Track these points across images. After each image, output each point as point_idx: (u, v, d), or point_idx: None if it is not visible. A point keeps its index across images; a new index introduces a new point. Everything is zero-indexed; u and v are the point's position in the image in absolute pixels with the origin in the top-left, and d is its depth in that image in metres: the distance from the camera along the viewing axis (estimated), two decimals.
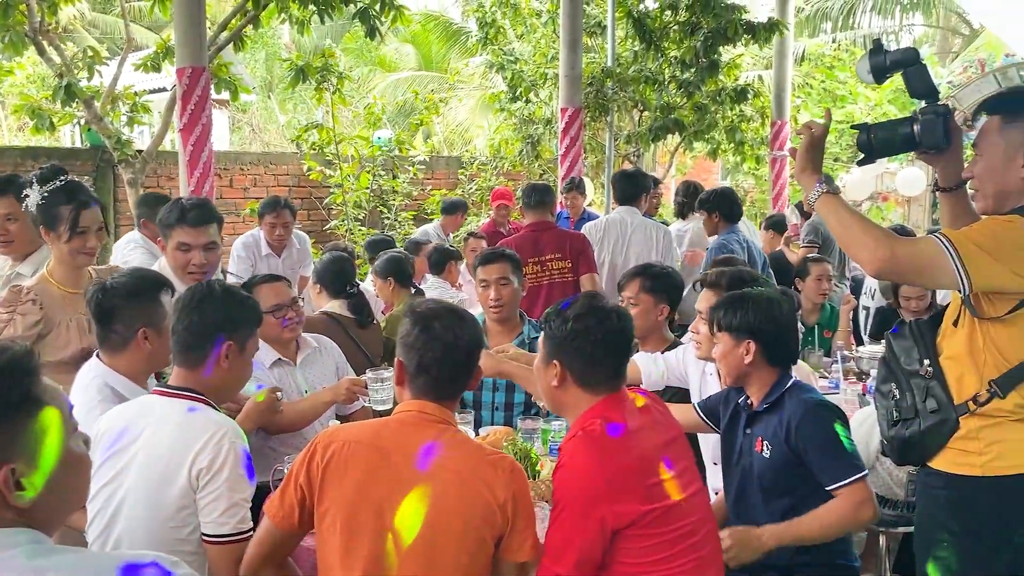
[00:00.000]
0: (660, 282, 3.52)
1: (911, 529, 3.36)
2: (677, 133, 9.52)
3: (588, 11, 9.49)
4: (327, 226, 9.59)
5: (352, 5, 6.92)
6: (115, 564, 1.33)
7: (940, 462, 2.31)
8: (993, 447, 2.22)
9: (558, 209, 7.14)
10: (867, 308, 5.84)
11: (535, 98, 10.18)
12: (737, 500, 2.68)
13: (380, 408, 2.98)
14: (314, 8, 6.80)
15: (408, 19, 7.37)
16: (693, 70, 9.07)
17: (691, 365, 3.25)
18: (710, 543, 2.22)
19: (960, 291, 2.19)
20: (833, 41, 16.61)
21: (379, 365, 3.42)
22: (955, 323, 2.31)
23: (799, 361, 3.80)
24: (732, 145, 10.04)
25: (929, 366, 2.33)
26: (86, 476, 1.47)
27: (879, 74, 2.44)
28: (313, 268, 4.33)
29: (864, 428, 3.47)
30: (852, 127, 2.49)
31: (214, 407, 2.28)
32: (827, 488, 2.43)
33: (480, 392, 3.57)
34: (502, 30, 10.23)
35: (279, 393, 2.87)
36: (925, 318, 2.47)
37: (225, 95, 7.64)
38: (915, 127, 2.36)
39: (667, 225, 6.51)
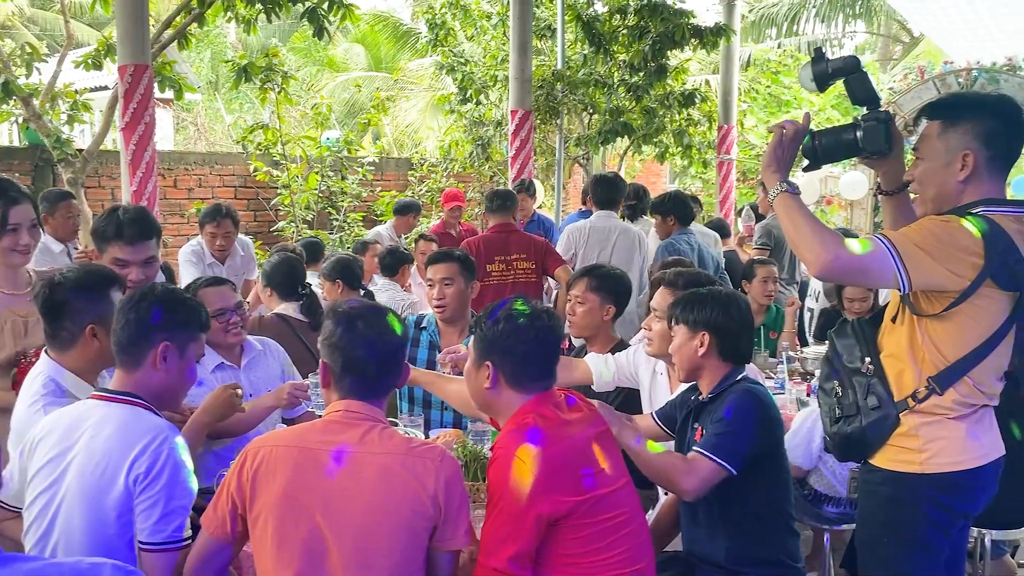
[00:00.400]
0: (607, 282, 3.55)
1: (855, 526, 3.44)
2: (626, 136, 9.59)
3: (538, 14, 9.52)
4: (274, 228, 9.47)
5: (300, 4, 6.83)
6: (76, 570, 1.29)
7: (881, 459, 2.35)
8: (932, 444, 2.27)
9: None
10: (811, 310, 5.94)
11: (485, 100, 10.18)
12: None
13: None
14: (261, 7, 6.71)
15: (357, 19, 7.30)
16: (642, 74, 9.15)
17: (642, 366, 3.28)
18: (641, 533, 2.25)
19: (900, 290, 2.23)
20: (778, 47, 16.89)
21: None
22: (894, 320, 2.36)
23: (751, 362, 3.87)
24: (680, 149, 10.15)
25: (871, 364, 2.37)
26: None
27: (821, 82, 2.48)
28: (263, 270, 4.26)
29: (806, 427, 3.53)
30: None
31: (155, 412, 2.23)
32: (695, 447, 2.49)
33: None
34: (452, 32, 10.22)
35: (239, 391, 2.82)
36: (867, 318, 2.52)
37: (169, 94, 7.49)
38: (858, 133, 2.40)
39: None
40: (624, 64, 9.29)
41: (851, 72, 2.44)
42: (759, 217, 7.36)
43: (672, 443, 2.89)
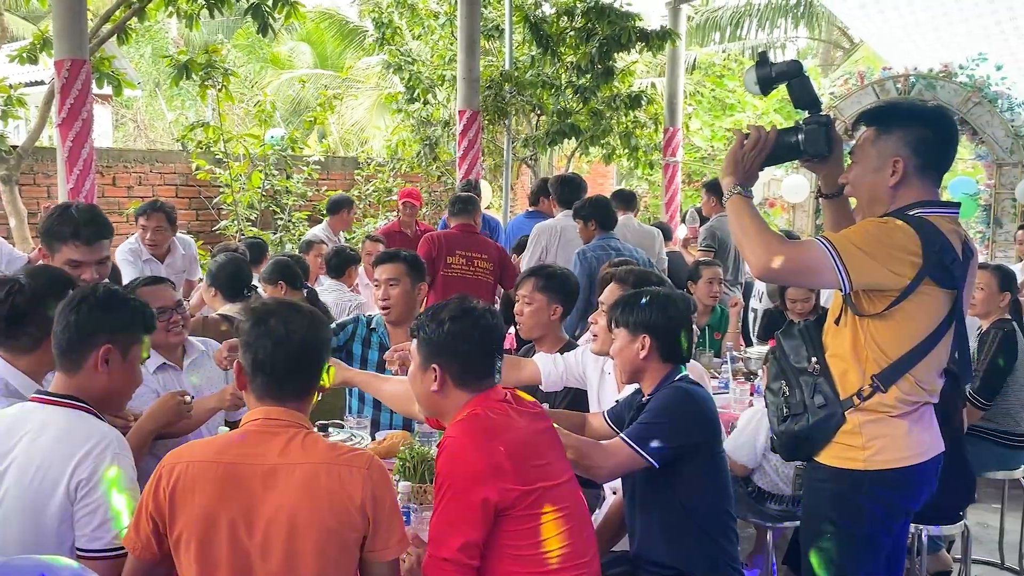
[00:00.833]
0: (554, 282, 3.56)
1: (797, 523, 3.50)
2: (574, 138, 9.63)
3: (486, 14, 9.52)
4: (216, 227, 9.32)
5: (244, 0, 6.73)
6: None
7: (826, 456, 2.39)
8: (875, 442, 2.31)
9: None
10: (755, 310, 6.03)
11: (433, 100, 10.14)
12: (629, 494, 2.73)
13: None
14: (203, 2, 6.59)
15: (302, 16, 7.21)
16: (589, 76, 9.20)
17: (590, 366, 3.29)
18: (585, 529, 2.27)
19: (841, 289, 2.27)
20: (723, 51, 17.11)
21: None
22: (837, 321, 2.40)
23: (696, 362, 3.91)
24: (627, 151, 10.22)
25: (816, 363, 2.41)
26: None
27: (765, 86, 2.52)
28: (207, 270, 4.18)
29: (751, 427, 3.58)
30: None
31: (98, 416, 2.17)
32: (620, 434, 2.55)
33: None
34: (399, 31, 10.15)
35: (187, 397, 2.76)
36: (812, 319, 2.56)
37: (108, 90, 7.33)
38: (800, 136, 2.44)
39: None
40: (571, 66, 9.33)
41: (794, 76, 2.48)
42: (703, 219, 7.45)
43: None
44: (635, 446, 2.50)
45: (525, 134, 10.09)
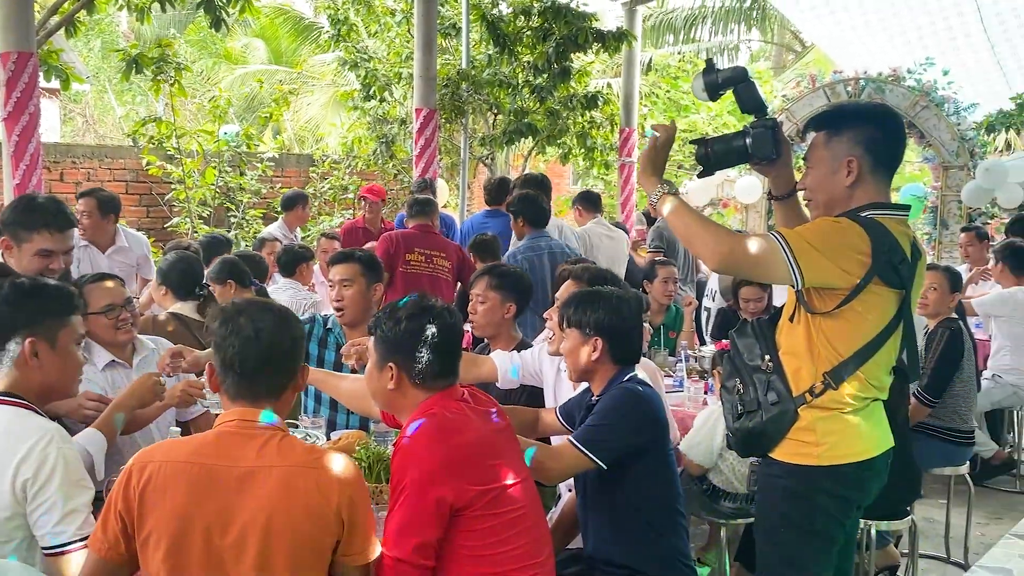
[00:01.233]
0: (507, 281, 3.56)
1: (750, 521, 3.55)
2: (530, 137, 9.64)
3: (443, 12, 9.48)
4: (168, 224, 9.17)
5: None
6: None
7: (780, 453, 2.43)
8: (828, 437, 2.36)
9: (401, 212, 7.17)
10: (708, 309, 6.09)
11: (390, 97, 10.07)
12: (580, 494, 2.74)
13: (220, 411, 2.89)
14: None
15: (256, 11, 7.12)
16: (545, 76, 9.22)
17: (546, 363, 3.30)
18: (541, 528, 2.28)
19: (793, 285, 2.31)
20: (678, 53, 17.27)
21: None
22: (791, 319, 2.44)
23: (650, 361, 3.95)
24: (583, 151, 10.26)
25: (770, 361, 2.45)
26: None
27: (712, 92, 2.55)
28: (158, 268, 4.11)
29: (707, 426, 3.62)
30: (691, 142, 2.63)
31: (38, 412, 2.13)
32: (569, 437, 2.56)
33: None
34: (355, 27, 10.07)
35: (162, 378, 2.76)
36: (765, 318, 2.60)
37: (55, 83, 7.17)
38: (747, 140, 2.48)
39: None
40: (528, 65, 9.34)
41: (740, 82, 2.53)
42: (651, 221, 7.52)
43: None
44: (583, 448, 2.51)
45: (482, 133, 10.08)
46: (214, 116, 9.45)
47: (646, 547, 2.59)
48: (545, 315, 3.32)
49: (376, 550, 2.01)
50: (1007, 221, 7.46)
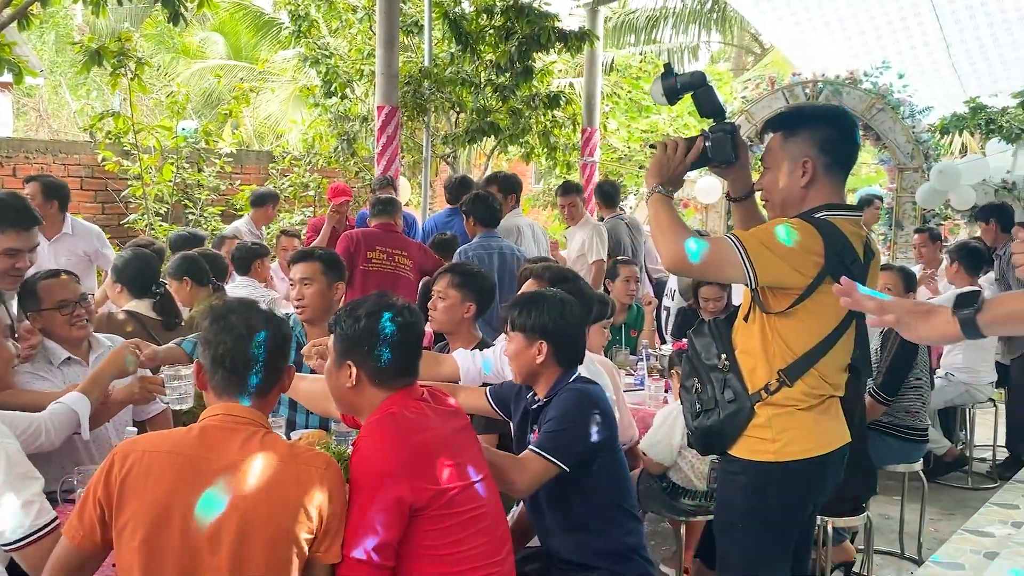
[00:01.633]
0: (469, 280, 3.56)
1: (710, 518, 3.58)
2: (493, 136, 9.63)
3: (405, 10, 9.43)
4: (124, 221, 9.02)
5: None
6: None
7: (738, 450, 2.46)
8: (784, 434, 2.40)
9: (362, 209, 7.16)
10: (667, 308, 6.14)
11: (351, 94, 10.00)
12: (532, 494, 2.74)
13: (178, 407, 2.90)
14: None
15: (215, 6, 7.01)
16: (508, 75, 9.21)
17: (507, 363, 3.29)
18: (500, 527, 2.28)
19: (748, 284, 2.36)
20: (639, 53, 17.37)
21: None
22: (746, 319, 2.49)
23: (604, 358, 3.97)
24: (545, 150, 10.27)
25: (726, 360, 2.49)
26: None
27: (671, 96, 2.59)
28: (113, 265, 4.04)
29: (666, 425, 3.65)
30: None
31: None
32: (531, 446, 2.56)
33: None
34: (316, 24, 9.98)
35: (137, 350, 2.81)
36: (722, 317, 2.64)
37: (8, 77, 7.00)
38: (707, 144, 2.52)
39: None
40: (491, 64, 9.32)
41: (698, 87, 2.56)
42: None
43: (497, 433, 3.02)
44: (549, 456, 2.51)
45: (444, 131, 10.05)
46: (172, 112, 9.30)
47: (597, 543, 2.61)
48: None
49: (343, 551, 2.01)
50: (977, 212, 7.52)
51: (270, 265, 5.90)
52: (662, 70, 2.60)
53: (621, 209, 7.39)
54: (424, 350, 2.41)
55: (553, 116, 10.04)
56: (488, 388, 2.97)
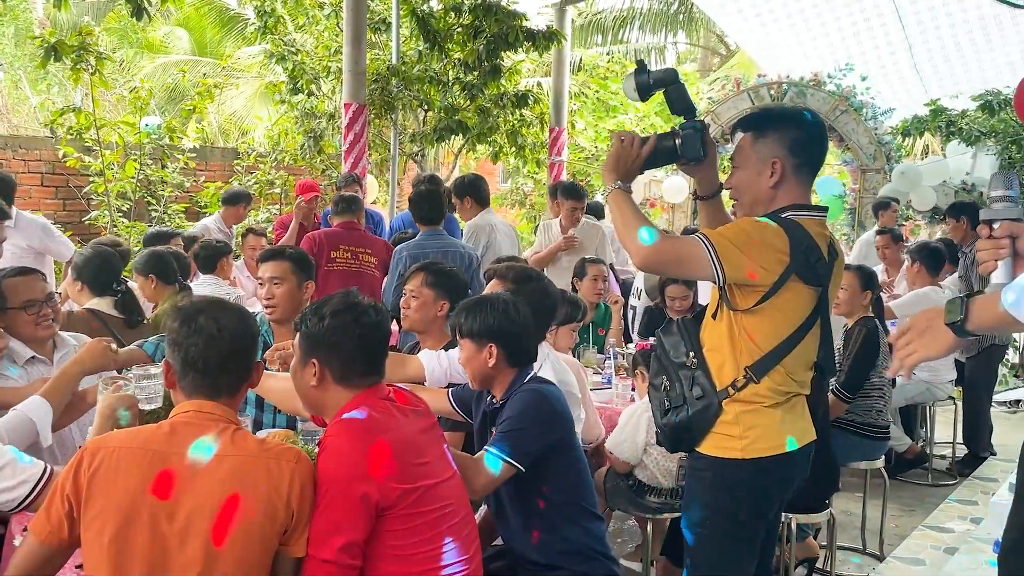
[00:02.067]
0: (443, 279, 3.56)
1: (676, 515, 3.60)
2: (461, 134, 9.62)
3: (372, 7, 9.39)
4: (86, 218, 8.89)
5: None
6: None
7: (706, 447, 2.49)
8: (751, 431, 2.43)
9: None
10: (634, 308, 6.17)
11: (318, 91, 9.93)
12: (494, 493, 2.74)
13: (148, 407, 2.83)
14: None
15: (180, 1, 6.94)
16: (476, 73, 9.20)
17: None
18: (468, 526, 2.28)
19: (716, 282, 2.39)
20: (607, 53, 17.43)
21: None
22: (714, 316, 2.51)
23: (569, 356, 3.98)
24: (513, 149, 10.27)
25: (694, 358, 2.52)
26: None
27: (643, 92, 2.60)
28: (73, 263, 3.98)
29: (631, 424, 3.67)
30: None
31: None
32: (486, 447, 2.58)
33: None
34: (282, 20, 9.90)
35: (114, 344, 2.75)
36: (690, 316, 2.66)
37: None
38: (677, 141, 2.55)
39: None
40: (459, 62, 9.31)
41: (670, 84, 2.58)
42: None
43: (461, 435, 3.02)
44: (503, 457, 2.52)
45: (412, 129, 10.01)
46: (135, 107, 9.17)
47: (562, 543, 2.62)
48: None
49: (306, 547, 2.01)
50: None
51: (234, 263, 5.84)
52: (636, 66, 2.62)
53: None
54: (390, 350, 2.40)
55: (521, 115, 10.05)
56: (451, 390, 2.98)
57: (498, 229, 5.99)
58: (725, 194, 2.69)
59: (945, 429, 6.28)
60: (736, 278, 2.36)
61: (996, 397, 7.27)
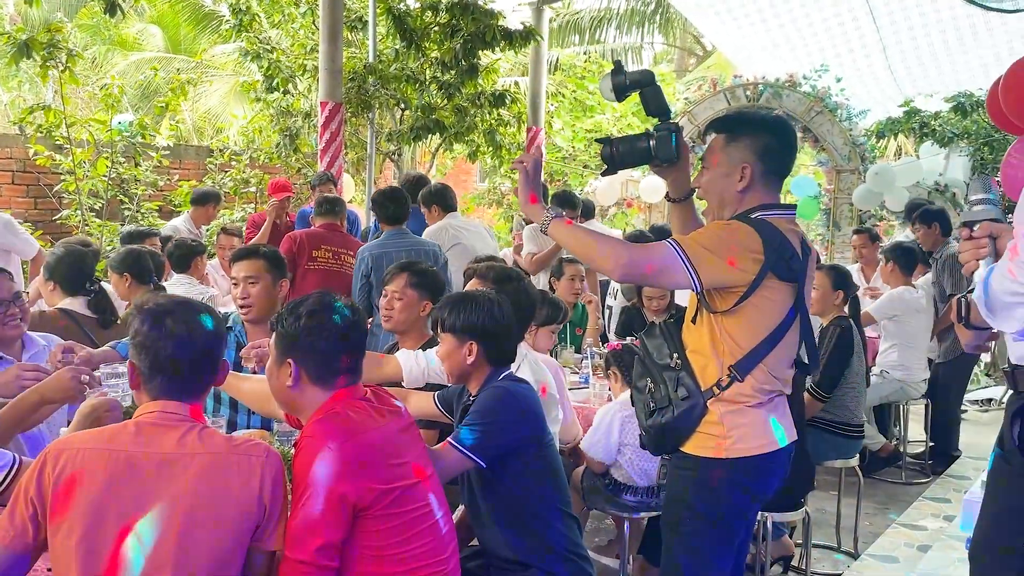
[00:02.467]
0: (425, 279, 3.56)
1: (652, 514, 3.61)
2: (438, 134, 9.59)
3: (348, 5, 9.34)
4: (57, 216, 8.77)
5: None
6: None
7: (690, 446, 2.50)
8: (735, 431, 2.44)
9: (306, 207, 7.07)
10: (610, 307, 6.19)
11: (293, 90, 9.85)
12: (467, 491, 2.75)
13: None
14: None
15: None
16: (453, 72, 9.18)
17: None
18: (445, 526, 2.27)
19: (693, 289, 2.41)
20: (584, 53, 17.47)
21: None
22: (693, 320, 2.53)
23: (548, 356, 3.98)
24: (491, 148, 10.26)
25: (678, 359, 2.53)
26: None
27: (619, 93, 2.62)
28: (45, 262, 3.93)
29: (605, 425, 3.68)
30: (597, 141, 2.69)
31: None
32: (449, 438, 2.57)
33: None
34: (257, 17, 9.82)
35: (85, 377, 2.65)
36: (670, 317, 2.67)
37: None
38: (651, 142, 2.57)
39: None
40: (436, 61, 9.28)
41: (646, 85, 2.60)
42: (527, 221, 7.58)
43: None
44: (462, 449, 2.52)
45: (389, 128, 9.97)
46: (107, 105, 9.05)
47: (534, 541, 2.62)
48: None
49: (282, 539, 2.00)
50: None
51: (208, 262, 5.79)
52: (613, 66, 2.63)
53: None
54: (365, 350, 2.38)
55: (498, 114, 10.03)
56: (435, 394, 2.97)
57: (468, 230, 5.99)
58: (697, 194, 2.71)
59: (918, 427, 6.34)
60: (713, 282, 2.37)
61: (968, 396, 7.36)
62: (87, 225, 8.40)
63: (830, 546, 4.65)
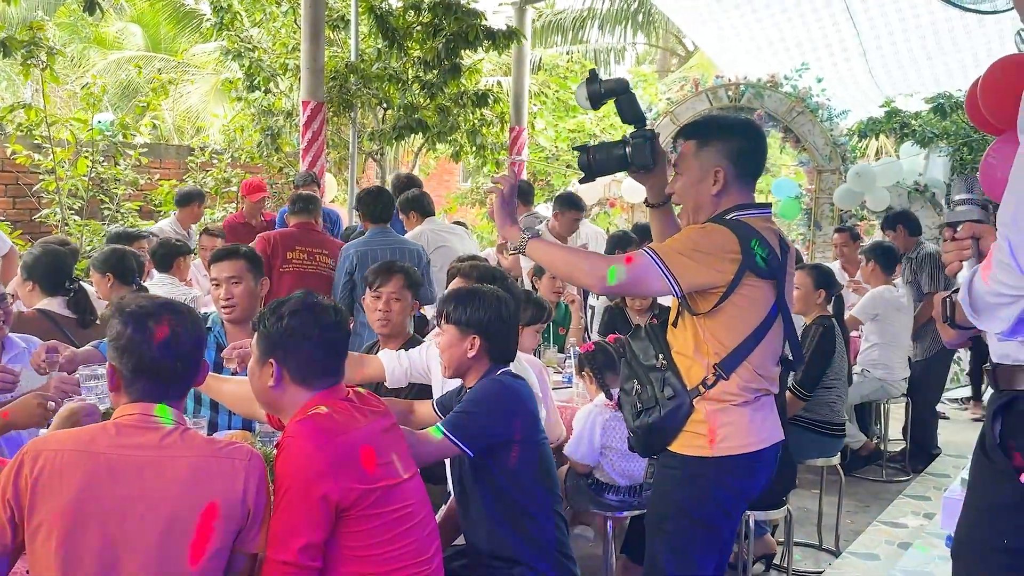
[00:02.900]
0: (414, 279, 3.62)
1: (636, 513, 3.62)
2: (421, 133, 9.57)
3: (330, 3, 9.32)
4: (37, 216, 8.69)
5: None
6: None
7: (677, 446, 2.51)
8: (721, 430, 2.46)
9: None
10: (593, 307, 6.20)
11: (275, 89, 9.82)
12: (457, 487, 2.75)
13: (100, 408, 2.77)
14: None
15: None
16: (436, 72, 9.17)
17: (433, 360, 3.28)
18: (428, 526, 2.27)
19: (674, 295, 2.44)
20: (567, 53, 17.49)
21: None
22: (675, 323, 2.56)
23: (533, 357, 3.98)
24: (473, 148, 10.25)
25: (664, 360, 2.55)
26: None
27: (594, 101, 2.65)
28: (23, 262, 3.89)
29: (586, 426, 3.67)
30: (574, 149, 2.72)
31: None
32: (439, 424, 2.59)
33: None
34: (238, 16, 9.77)
35: (51, 404, 2.57)
36: (654, 319, 2.69)
37: None
38: (627, 149, 2.60)
39: None
40: (418, 61, 9.27)
41: (621, 94, 2.64)
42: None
43: None
44: (449, 434, 2.53)
45: (371, 128, 9.95)
46: (87, 104, 8.98)
47: (520, 539, 2.62)
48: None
49: (264, 541, 1.99)
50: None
51: (190, 263, 5.75)
52: (588, 75, 2.64)
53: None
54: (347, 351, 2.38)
55: (481, 114, 10.04)
56: (434, 401, 2.98)
57: (449, 231, 6.02)
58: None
59: (899, 426, 6.38)
60: (692, 286, 2.40)
61: (948, 395, 7.42)
62: (67, 225, 8.33)
63: (812, 544, 4.67)
